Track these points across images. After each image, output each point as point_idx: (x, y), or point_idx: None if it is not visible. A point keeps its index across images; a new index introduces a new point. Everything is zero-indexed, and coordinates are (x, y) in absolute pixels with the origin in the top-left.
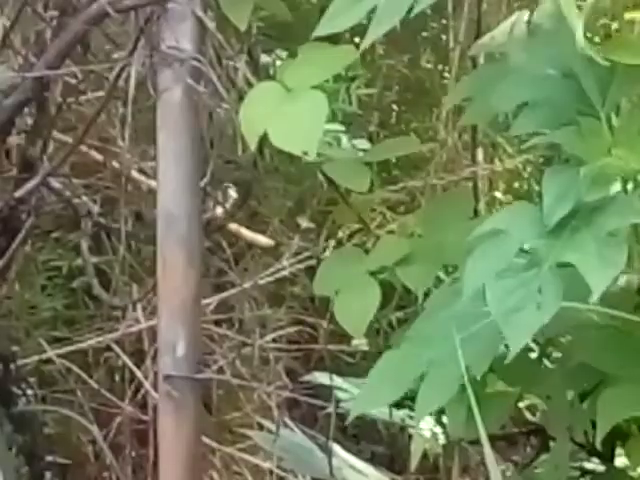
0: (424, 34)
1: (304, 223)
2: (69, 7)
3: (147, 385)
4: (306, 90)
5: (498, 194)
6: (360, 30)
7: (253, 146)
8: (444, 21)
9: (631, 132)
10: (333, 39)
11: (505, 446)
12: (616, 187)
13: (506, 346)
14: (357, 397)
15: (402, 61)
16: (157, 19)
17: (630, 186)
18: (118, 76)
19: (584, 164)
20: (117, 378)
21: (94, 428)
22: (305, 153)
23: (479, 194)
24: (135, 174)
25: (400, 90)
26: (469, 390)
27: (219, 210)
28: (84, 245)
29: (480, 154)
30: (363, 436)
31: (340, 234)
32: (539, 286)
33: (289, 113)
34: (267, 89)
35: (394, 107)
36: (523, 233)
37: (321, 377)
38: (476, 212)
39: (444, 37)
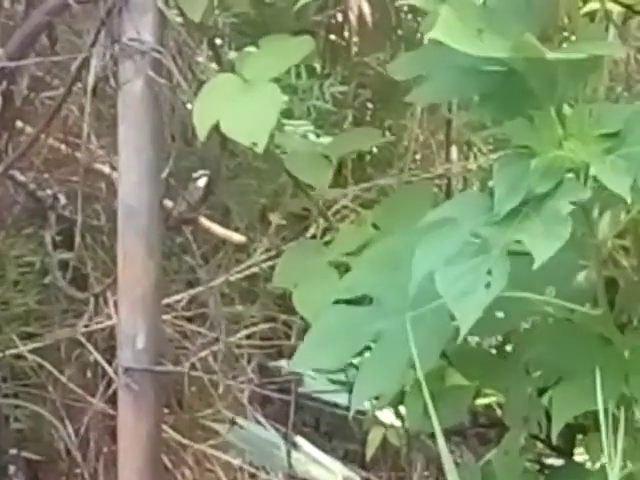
0: (399, 32)
1: (276, 220)
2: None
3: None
4: (263, 82)
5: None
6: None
7: (202, 136)
8: (420, 19)
9: (581, 125)
10: (310, 34)
11: (477, 442)
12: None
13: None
14: (298, 352)
15: (377, 59)
16: (118, 11)
17: (581, 178)
18: (80, 68)
19: (536, 156)
20: (89, 374)
21: (63, 424)
22: (255, 144)
23: (453, 192)
24: (105, 168)
25: (374, 88)
26: (423, 385)
27: (184, 203)
28: (47, 238)
29: (454, 152)
30: (336, 434)
31: (312, 230)
32: (488, 268)
33: (242, 104)
34: (224, 80)
35: (368, 105)
36: (473, 221)
37: (284, 364)
38: None
39: (419, 35)
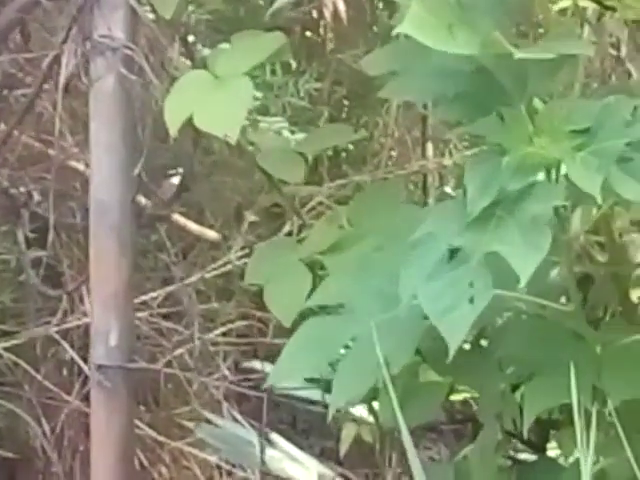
0: (374, 29)
1: (251, 217)
2: None
3: None
4: (234, 77)
5: (448, 189)
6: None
7: (173, 132)
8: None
9: (552, 121)
10: (283, 31)
11: (453, 437)
12: (540, 176)
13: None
14: (276, 366)
15: (352, 55)
16: (90, 8)
17: (553, 175)
18: (52, 65)
19: (507, 153)
20: (65, 372)
21: (39, 423)
22: (228, 136)
23: (429, 188)
24: (79, 165)
25: (350, 85)
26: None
27: (156, 200)
28: (20, 236)
29: (430, 148)
30: (312, 431)
31: (288, 228)
32: (470, 281)
33: (213, 98)
34: (195, 77)
35: (344, 102)
36: (449, 232)
37: (258, 365)
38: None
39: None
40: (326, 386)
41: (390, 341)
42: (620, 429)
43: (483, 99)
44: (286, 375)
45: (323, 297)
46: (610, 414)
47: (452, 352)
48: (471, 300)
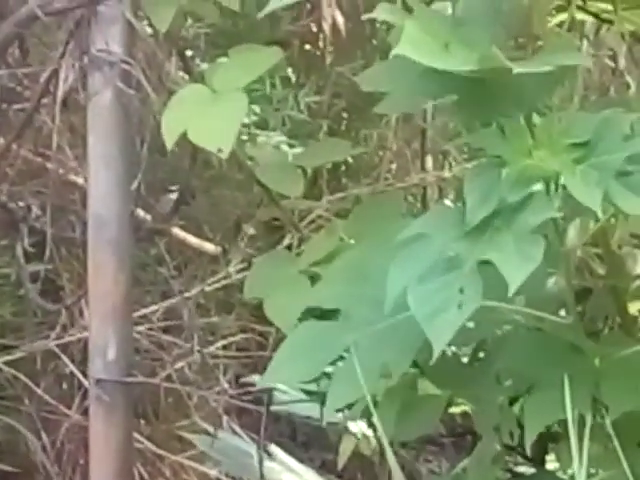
0: (373, 42)
1: (250, 230)
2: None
3: None
4: (231, 91)
5: (447, 201)
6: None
7: (170, 145)
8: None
9: (551, 134)
10: (283, 45)
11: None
12: (538, 187)
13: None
14: (269, 368)
15: (351, 69)
16: (87, 22)
17: (552, 187)
18: (49, 80)
19: (506, 165)
20: (65, 386)
21: (39, 436)
22: (220, 150)
23: (428, 201)
24: (79, 179)
25: (349, 98)
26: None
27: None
28: (19, 250)
29: (429, 161)
30: (312, 444)
31: (287, 241)
32: (460, 287)
33: (209, 112)
34: (192, 91)
35: (343, 115)
36: (445, 236)
37: (257, 379)
38: None
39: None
40: (323, 400)
41: (388, 349)
42: (618, 441)
43: (483, 108)
44: (280, 377)
45: (319, 301)
46: (609, 426)
47: (436, 354)
48: (460, 305)
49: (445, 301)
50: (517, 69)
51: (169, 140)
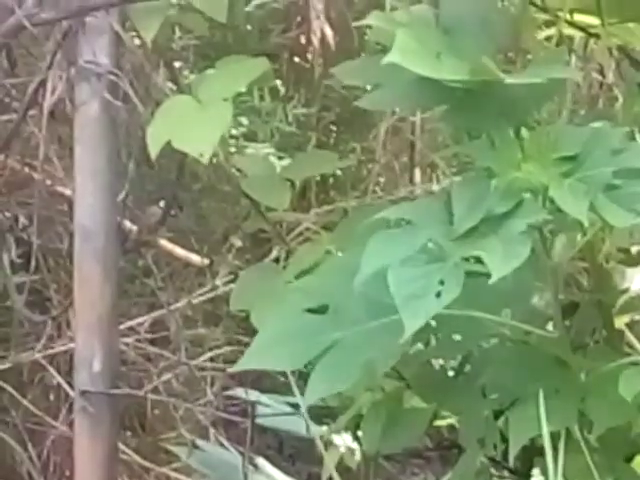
0: (362, 54)
1: (237, 243)
2: None
3: None
4: (216, 101)
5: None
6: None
7: (154, 155)
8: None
9: (540, 147)
10: (271, 57)
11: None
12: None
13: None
14: (249, 350)
15: (340, 81)
16: (75, 33)
17: (540, 200)
18: (37, 91)
19: (495, 177)
20: (52, 397)
21: (24, 448)
22: (201, 155)
23: None
24: (66, 190)
25: (338, 110)
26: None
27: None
28: (5, 261)
29: (418, 174)
30: (299, 456)
31: (275, 253)
32: (441, 279)
33: (193, 120)
34: (178, 102)
35: (332, 127)
36: (430, 228)
37: (243, 393)
38: None
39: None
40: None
41: (374, 348)
42: (604, 455)
43: (473, 117)
44: (259, 362)
45: (307, 295)
46: (592, 440)
47: (406, 335)
48: (438, 294)
49: (424, 288)
50: (508, 80)
51: (153, 149)
